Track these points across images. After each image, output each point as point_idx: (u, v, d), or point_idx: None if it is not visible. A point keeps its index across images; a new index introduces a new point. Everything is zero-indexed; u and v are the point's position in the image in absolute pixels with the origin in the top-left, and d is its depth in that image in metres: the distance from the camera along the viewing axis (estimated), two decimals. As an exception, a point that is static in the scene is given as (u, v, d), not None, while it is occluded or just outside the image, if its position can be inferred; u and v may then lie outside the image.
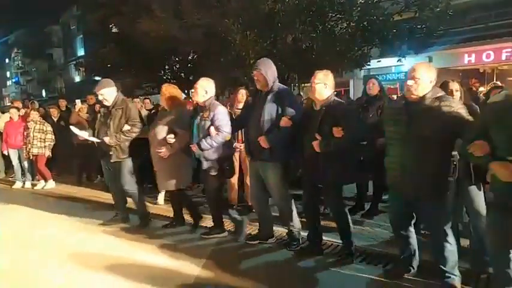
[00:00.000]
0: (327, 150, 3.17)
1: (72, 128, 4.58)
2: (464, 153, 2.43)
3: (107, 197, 5.16)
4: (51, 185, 6.93)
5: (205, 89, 3.92)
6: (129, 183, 4.50)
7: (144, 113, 5.03)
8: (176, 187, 4.28)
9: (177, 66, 15.34)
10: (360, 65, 10.38)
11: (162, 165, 4.22)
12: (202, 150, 3.80)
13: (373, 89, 5.21)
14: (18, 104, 7.83)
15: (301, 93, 16.68)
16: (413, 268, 3.09)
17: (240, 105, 5.14)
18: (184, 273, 3.34)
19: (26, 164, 7.10)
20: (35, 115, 6.83)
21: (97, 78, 22.46)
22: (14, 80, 45.35)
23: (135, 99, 7.03)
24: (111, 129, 4.33)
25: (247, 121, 3.75)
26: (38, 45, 36.85)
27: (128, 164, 4.47)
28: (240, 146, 4.99)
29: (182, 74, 15.31)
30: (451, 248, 2.75)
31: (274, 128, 3.50)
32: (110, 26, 16.17)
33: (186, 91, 16.47)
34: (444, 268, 2.77)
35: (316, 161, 3.24)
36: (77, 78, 32.61)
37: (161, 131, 4.16)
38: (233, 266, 3.46)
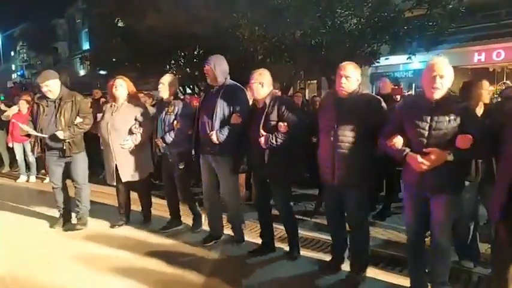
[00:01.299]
0: (272, 146, 3.27)
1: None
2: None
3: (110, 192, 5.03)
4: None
5: (170, 85, 4.05)
6: (83, 178, 4.45)
7: (151, 110, 4.85)
8: (142, 177, 4.39)
9: (183, 61, 15.22)
10: (370, 62, 10.22)
11: (125, 157, 4.25)
12: (166, 143, 3.98)
13: (385, 87, 5.11)
14: (27, 97, 7.59)
15: (307, 90, 16.66)
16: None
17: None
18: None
19: (30, 158, 7.01)
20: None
21: (102, 72, 22.46)
22: (19, 73, 45.42)
23: (140, 94, 6.92)
24: (63, 123, 4.16)
25: (199, 116, 3.82)
26: (43, 38, 36.82)
27: (83, 158, 4.44)
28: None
29: (188, 69, 15.20)
30: None
31: (225, 123, 3.60)
32: (116, 20, 16.06)
33: (191, 86, 16.46)
34: None
35: (262, 157, 3.35)
36: (82, 72, 32.58)
37: (122, 123, 4.21)
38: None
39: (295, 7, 8.68)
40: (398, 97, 5.16)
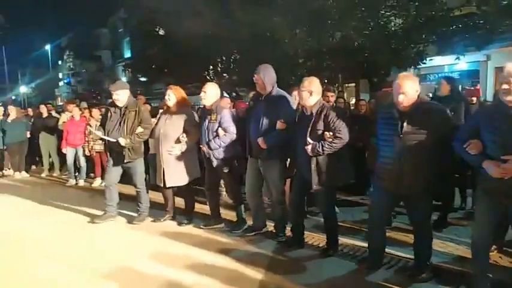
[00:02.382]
0: (318, 155, 3.37)
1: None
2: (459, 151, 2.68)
3: (156, 196, 5.11)
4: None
5: (213, 93, 4.24)
6: (141, 182, 4.74)
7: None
8: (186, 182, 4.52)
9: (221, 67, 15.40)
10: (415, 63, 9.79)
11: (172, 163, 4.42)
12: (211, 149, 4.15)
13: (443, 89, 4.78)
14: (82, 104, 7.90)
15: (345, 93, 16.27)
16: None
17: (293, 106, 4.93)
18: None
19: (82, 162, 7.28)
20: (97, 114, 6.99)
21: (142, 79, 23.28)
22: (65, 81, 48.05)
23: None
24: (125, 131, 4.46)
25: (249, 122, 3.99)
26: (88, 47, 38.79)
27: (141, 164, 4.72)
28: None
29: (225, 74, 15.36)
30: None
31: (272, 130, 3.76)
32: (155, 28, 16.56)
33: (229, 92, 16.61)
34: None
35: (308, 163, 3.41)
36: (124, 79, 33.95)
37: (172, 130, 4.39)
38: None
39: (337, 8, 8.48)
40: (475, 99, 4.83)
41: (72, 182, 7.37)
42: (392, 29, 9.26)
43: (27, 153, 8.54)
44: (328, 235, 3.70)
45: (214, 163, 4.22)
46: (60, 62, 48.82)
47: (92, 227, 4.71)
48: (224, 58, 14.58)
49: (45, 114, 8.47)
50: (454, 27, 9.05)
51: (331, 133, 3.33)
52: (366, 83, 12.22)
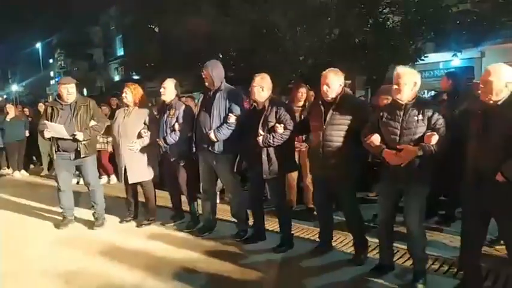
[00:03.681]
0: (269, 145, 3.59)
1: (48, 123, 4.39)
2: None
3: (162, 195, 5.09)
4: (114, 180, 6.93)
5: (172, 89, 4.36)
6: (95, 180, 4.73)
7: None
8: (148, 178, 4.59)
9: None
10: (413, 60, 9.84)
11: (134, 158, 4.47)
12: (167, 144, 4.25)
13: (444, 84, 4.80)
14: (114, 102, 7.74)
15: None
16: None
17: (300, 103, 4.93)
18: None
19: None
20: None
21: (135, 77, 23.05)
22: (56, 80, 47.44)
23: (182, 98, 6.93)
24: (78, 126, 4.37)
25: (198, 117, 4.12)
26: (79, 45, 38.24)
27: (94, 160, 4.67)
28: (299, 145, 4.76)
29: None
30: None
31: (222, 123, 3.88)
32: (149, 26, 16.40)
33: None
34: None
35: (260, 155, 3.62)
36: (116, 78, 33.58)
37: (132, 127, 4.45)
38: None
39: (337, 5, 8.49)
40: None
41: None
42: (391, 26, 9.31)
43: (26, 152, 8.46)
44: (354, 238, 3.61)
45: (171, 157, 4.33)
46: (51, 61, 48.16)
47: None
48: (221, 55, 14.50)
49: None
50: (452, 23, 9.11)
51: (282, 125, 3.57)
52: (361, 80, 12.26)
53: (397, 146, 2.86)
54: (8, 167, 8.60)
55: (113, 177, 7.01)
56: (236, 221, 4.27)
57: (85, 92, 36.63)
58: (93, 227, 4.60)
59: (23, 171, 8.35)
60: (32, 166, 9.00)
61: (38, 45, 45.72)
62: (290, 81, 8.78)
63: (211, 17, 10.16)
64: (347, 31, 8.96)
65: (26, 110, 9.46)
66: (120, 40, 32.03)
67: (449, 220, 4.37)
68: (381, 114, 3.02)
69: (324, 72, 3.39)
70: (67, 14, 50.56)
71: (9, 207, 5.65)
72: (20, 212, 5.37)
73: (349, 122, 3.26)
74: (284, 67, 8.82)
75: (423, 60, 10.30)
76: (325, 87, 3.29)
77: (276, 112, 3.62)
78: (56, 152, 4.47)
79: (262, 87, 3.69)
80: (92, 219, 4.71)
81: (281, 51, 9.29)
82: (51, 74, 48.29)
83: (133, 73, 22.55)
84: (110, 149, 6.74)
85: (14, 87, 43.99)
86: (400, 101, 2.89)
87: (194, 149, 4.19)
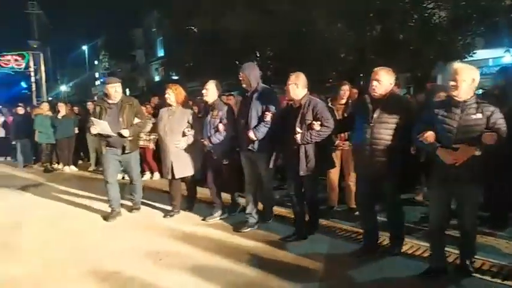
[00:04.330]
0: (308, 143, 3.65)
1: (94, 120, 4.64)
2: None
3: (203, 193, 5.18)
4: (157, 176, 7.14)
5: (215, 90, 4.52)
6: (137, 175, 5.04)
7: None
8: (192, 173, 4.79)
9: (256, 63, 15.37)
10: (461, 57, 9.36)
11: (180, 155, 4.68)
12: (212, 143, 4.41)
13: (496, 81, 4.51)
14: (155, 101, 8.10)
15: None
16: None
17: (342, 101, 4.83)
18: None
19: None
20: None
21: (174, 77, 23.68)
22: (101, 80, 49.62)
23: (223, 97, 7.00)
24: (125, 123, 4.63)
25: (238, 118, 4.31)
26: (123, 47, 39.88)
27: (136, 156, 4.96)
28: (342, 144, 4.67)
29: (260, 71, 15.33)
30: None
31: (260, 122, 4.02)
32: (190, 27, 16.78)
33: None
34: None
35: (297, 152, 3.68)
36: (157, 78, 34.70)
37: (177, 125, 4.65)
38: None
39: (379, 1, 8.24)
40: None
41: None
42: (437, 21, 8.90)
43: (74, 149, 8.93)
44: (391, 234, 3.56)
45: (215, 156, 4.47)
46: (96, 62, 50.55)
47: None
48: (259, 55, 14.57)
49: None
50: (506, 17, 8.57)
51: (319, 122, 3.61)
52: (403, 78, 11.82)
53: (453, 145, 2.75)
54: (58, 163, 9.13)
55: (156, 174, 7.23)
56: (263, 207, 4.49)
57: (127, 92, 38.28)
58: (132, 210, 5.01)
59: (72, 166, 8.82)
60: (80, 162, 9.48)
61: (85, 47, 48.15)
62: (330, 79, 8.63)
63: (249, 16, 10.21)
64: (390, 27, 8.67)
65: (75, 108, 9.98)
66: (161, 42, 33.03)
67: (503, 224, 4.10)
68: (436, 111, 2.91)
69: (375, 69, 3.35)
70: (111, 16, 52.82)
71: (61, 199, 5.98)
72: (70, 204, 5.64)
73: (397, 120, 3.19)
74: (324, 65, 8.69)
75: (472, 56, 9.78)
76: (374, 83, 3.26)
77: (313, 109, 3.68)
78: (105, 147, 4.76)
79: (297, 85, 3.76)
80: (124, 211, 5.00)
81: (321, 49, 9.15)
82: (96, 75, 50.65)
83: (173, 73, 23.20)
84: (152, 146, 6.95)
85: (63, 88, 46.66)
86: (457, 98, 2.78)
87: (238, 148, 4.35)
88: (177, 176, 4.72)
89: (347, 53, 9.53)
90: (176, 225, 4.52)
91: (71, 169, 8.76)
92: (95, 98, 19.78)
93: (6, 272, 3.34)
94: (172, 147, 4.63)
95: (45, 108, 8.87)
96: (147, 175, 7.23)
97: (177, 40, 18.68)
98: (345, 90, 4.86)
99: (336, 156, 4.73)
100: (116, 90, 4.68)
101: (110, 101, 4.70)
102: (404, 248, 3.53)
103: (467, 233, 2.96)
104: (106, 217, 4.85)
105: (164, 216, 4.87)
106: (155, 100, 8.08)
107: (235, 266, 3.36)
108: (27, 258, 3.67)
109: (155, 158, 6.97)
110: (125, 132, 4.58)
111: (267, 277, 3.13)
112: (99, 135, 4.73)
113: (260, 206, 4.50)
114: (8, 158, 10.73)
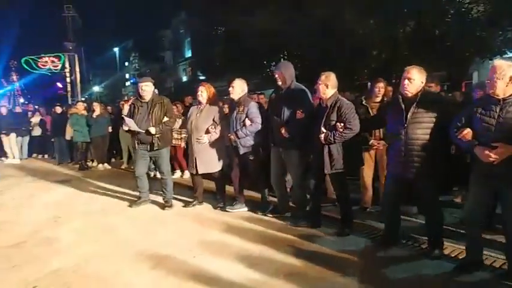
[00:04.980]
0: (330, 143, 3.72)
1: (125, 118, 4.99)
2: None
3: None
4: (187, 174, 7.23)
5: (240, 87, 4.66)
6: (167, 170, 5.15)
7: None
8: (218, 168, 4.92)
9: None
10: (501, 53, 8.90)
11: (203, 151, 4.83)
12: (239, 138, 4.53)
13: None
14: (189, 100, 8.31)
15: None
16: None
17: (377, 99, 4.70)
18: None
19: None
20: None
21: (202, 77, 23.96)
22: (131, 81, 51.11)
23: (254, 96, 7.00)
24: (153, 121, 4.84)
25: (272, 114, 4.38)
26: (152, 48, 40.91)
27: (167, 153, 5.11)
28: (377, 143, 4.55)
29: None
30: None
31: (292, 120, 4.11)
32: (216, 28, 16.91)
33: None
34: None
35: (322, 150, 3.77)
36: (184, 78, 35.27)
37: (202, 123, 4.81)
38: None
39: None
40: None
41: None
42: (475, 15, 8.50)
43: (108, 147, 9.20)
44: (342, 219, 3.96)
45: (241, 151, 4.59)
46: (126, 63, 52.02)
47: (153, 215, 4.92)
48: (286, 53, 14.46)
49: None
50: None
51: (342, 124, 3.66)
52: (438, 75, 11.40)
53: (492, 143, 2.70)
54: (93, 160, 9.43)
55: (186, 172, 7.30)
56: (294, 209, 4.57)
57: (156, 92, 39.15)
58: (164, 208, 5.09)
59: (105, 164, 9.09)
60: (113, 160, 9.76)
61: (116, 49, 49.64)
62: (362, 77, 8.44)
63: (278, 15, 10.13)
64: (425, 23, 8.36)
65: (108, 107, 10.30)
66: (189, 42, 33.53)
67: None
68: (475, 109, 2.86)
69: (407, 67, 3.31)
70: (141, 18, 54.07)
71: (97, 195, 6.17)
72: (106, 200, 5.81)
73: (433, 119, 3.16)
74: (355, 63, 8.50)
75: (512, 52, 9.30)
76: (406, 82, 3.24)
77: (338, 110, 3.75)
78: (136, 143, 5.01)
79: (327, 85, 3.83)
80: (156, 207, 5.22)
81: (352, 46, 8.95)
82: (127, 76, 52.14)
83: (200, 73, 23.47)
84: (183, 144, 7.04)
85: (96, 88, 48.35)
86: (496, 96, 2.73)
87: (271, 143, 4.46)
88: (200, 172, 4.90)
89: (380, 50, 9.28)
90: (214, 216, 4.77)
91: (105, 166, 9.02)
92: (125, 97, 20.41)
93: (49, 264, 3.45)
94: (196, 144, 4.82)
95: (80, 107, 9.18)
96: (178, 173, 7.32)
97: (204, 40, 18.88)
98: (380, 87, 4.73)
99: (370, 155, 4.64)
100: (142, 88, 4.89)
101: (142, 100, 4.95)
102: (446, 251, 3.41)
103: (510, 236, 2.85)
104: (131, 204, 5.21)
105: (184, 206, 5.14)
106: (189, 99, 8.21)
107: (276, 255, 3.49)
108: (68, 251, 3.78)
109: (186, 157, 7.05)
110: (152, 130, 4.82)
111: (307, 267, 3.25)
112: (130, 131, 4.99)
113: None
114: (46, 156, 11.22)
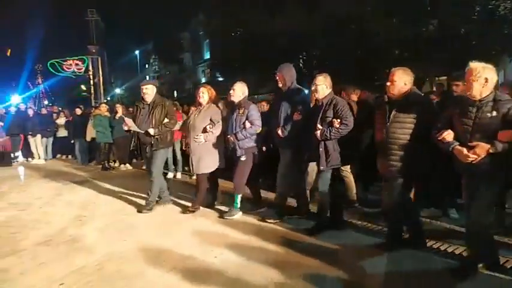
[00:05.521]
0: (326, 139, 3.84)
1: (125, 118, 5.14)
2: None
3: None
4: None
5: (241, 90, 4.73)
6: (156, 172, 5.10)
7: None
8: (213, 168, 4.94)
9: (302, 63, 15.27)
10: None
11: (199, 152, 4.87)
12: (238, 140, 4.57)
13: None
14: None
15: (434, 89, 14.92)
16: None
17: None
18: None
19: (178, 156, 7.68)
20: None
21: (220, 78, 24.08)
22: (151, 83, 52.05)
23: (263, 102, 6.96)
24: (153, 122, 4.93)
25: (271, 115, 4.51)
26: (171, 50, 41.37)
27: (162, 155, 5.16)
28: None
29: (305, 70, 15.20)
30: None
31: (289, 120, 4.23)
32: (234, 30, 16.99)
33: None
34: None
35: (318, 148, 3.89)
36: (203, 79, 35.54)
37: (199, 122, 4.86)
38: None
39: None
40: None
41: (171, 174, 7.85)
42: (503, 12, 8.20)
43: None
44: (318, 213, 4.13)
45: (238, 152, 4.63)
46: (146, 66, 52.91)
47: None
48: (305, 54, 14.41)
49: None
50: None
51: (338, 120, 3.78)
52: (462, 74, 11.04)
53: (469, 143, 2.81)
54: (115, 161, 9.62)
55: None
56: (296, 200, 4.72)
57: (175, 93, 39.66)
58: (142, 211, 5.08)
59: (127, 164, 9.25)
60: (134, 160, 9.92)
61: (136, 52, 50.55)
62: (382, 78, 8.27)
63: (298, 16, 10.08)
64: (448, 21, 8.13)
65: (130, 109, 10.46)
66: (207, 44, 33.78)
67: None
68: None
69: (392, 69, 3.44)
70: (160, 21, 54.89)
71: (120, 195, 6.28)
72: (128, 200, 5.89)
73: (414, 120, 3.24)
74: (375, 63, 8.35)
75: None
76: (388, 83, 3.38)
77: (334, 108, 3.87)
78: (138, 143, 5.20)
79: (326, 86, 3.98)
80: (176, 207, 5.28)
81: (372, 47, 8.80)
82: (147, 78, 52.98)
83: (219, 75, 23.62)
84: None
85: (117, 91, 49.37)
86: (473, 98, 2.84)
87: (272, 145, 4.64)
88: (194, 171, 4.98)
89: (401, 49, 9.09)
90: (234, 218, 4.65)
91: (126, 167, 9.19)
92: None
93: (73, 262, 3.53)
94: (192, 143, 4.89)
95: (103, 109, 9.38)
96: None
97: (223, 42, 19.01)
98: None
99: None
100: (144, 91, 5.01)
101: (144, 101, 5.08)
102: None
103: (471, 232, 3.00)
104: (140, 209, 5.20)
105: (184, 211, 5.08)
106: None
107: (272, 247, 3.68)
108: (92, 249, 3.86)
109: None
110: (151, 131, 4.92)
111: (300, 259, 3.45)
112: (135, 133, 5.13)
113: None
114: (69, 157, 11.52)
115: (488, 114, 2.77)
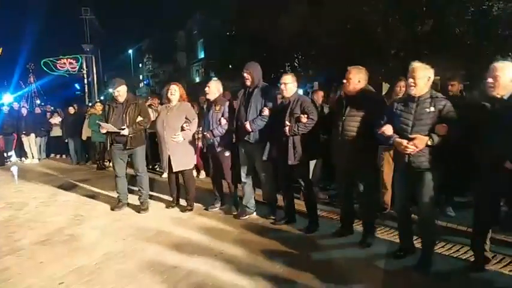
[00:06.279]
0: (295, 134, 4.00)
1: (101, 123, 5.02)
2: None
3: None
4: (203, 174, 7.24)
5: (216, 88, 4.84)
6: (142, 168, 5.16)
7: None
8: (190, 166, 5.09)
9: (298, 63, 15.30)
10: (524, 51, 8.68)
11: (177, 149, 4.91)
12: (214, 136, 4.71)
13: None
14: (154, 101, 8.42)
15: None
16: None
17: (398, 97, 4.66)
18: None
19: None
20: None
21: (214, 78, 24.03)
22: (145, 82, 51.73)
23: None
24: (127, 121, 4.90)
25: (238, 111, 4.58)
26: (166, 50, 41.19)
27: (142, 151, 5.14)
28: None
29: (300, 70, 15.22)
30: None
31: (257, 116, 4.35)
32: (229, 29, 16.97)
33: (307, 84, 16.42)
34: None
35: (286, 143, 4.04)
36: (197, 79, 35.46)
37: (175, 121, 4.89)
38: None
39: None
40: None
41: (164, 175, 7.79)
42: (495, 13, 8.30)
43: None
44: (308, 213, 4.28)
45: (218, 148, 4.75)
46: (140, 65, 52.64)
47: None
48: (300, 53, 14.42)
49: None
50: None
51: (306, 115, 3.93)
52: (457, 74, 11.15)
53: (409, 136, 3.03)
54: (109, 160, 9.48)
55: (202, 172, 7.35)
56: (268, 204, 4.77)
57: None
58: (140, 211, 5.10)
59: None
60: (128, 159, 9.82)
61: (130, 51, 50.28)
62: (378, 77, 8.33)
63: (297, 16, 10.08)
64: (444, 21, 8.20)
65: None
66: (202, 44, 33.71)
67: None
68: (395, 106, 3.24)
69: (348, 67, 3.67)
70: (155, 20, 54.54)
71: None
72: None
73: (364, 114, 3.52)
74: (373, 61, 8.37)
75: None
76: (344, 80, 3.65)
77: (301, 104, 4.04)
78: (110, 143, 5.05)
79: (294, 85, 4.18)
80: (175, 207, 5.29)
81: (372, 45, 8.83)
82: (140, 77, 52.74)
83: (214, 74, 23.58)
84: (200, 144, 7.05)
85: (111, 89, 49.01)
86: (413, 94, 3.09)
87: (234, 140, 4.69)
88: (175, 169, 4.97)
89: (398, 48, 9.14)
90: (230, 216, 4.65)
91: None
92: (138, 100, 20.68)
93: (72, 262, 3.51)
94: (170, 142, 4.89)
95: (98, 108, 9.29)
96: (203, 173, 7.34)
97: (218, 42, 18.97)
98: (401, 86, 4.71)
99: (391, 155, 4.56)
100: (115, 93, 4.98)
101: (117, 101, 5.03)
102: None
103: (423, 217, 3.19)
104: (113, 207, 5.24)
105: (167, 207, 5.24)
106: (203, 99, 8.21)
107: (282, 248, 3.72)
108: (90, 249, 3.84)
109: (202, 157, 7.08)
110: (125, 131, 4.87)
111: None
112: (108, 132, 5.01)
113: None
114: (63, 156, 11.41)
115: (427, 110, 3.03)
